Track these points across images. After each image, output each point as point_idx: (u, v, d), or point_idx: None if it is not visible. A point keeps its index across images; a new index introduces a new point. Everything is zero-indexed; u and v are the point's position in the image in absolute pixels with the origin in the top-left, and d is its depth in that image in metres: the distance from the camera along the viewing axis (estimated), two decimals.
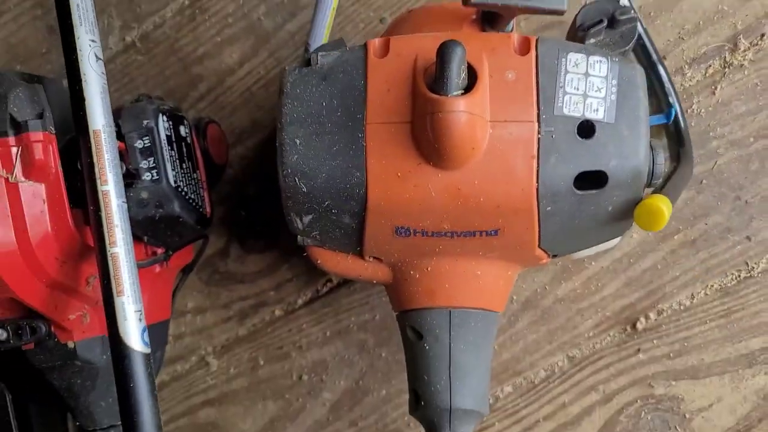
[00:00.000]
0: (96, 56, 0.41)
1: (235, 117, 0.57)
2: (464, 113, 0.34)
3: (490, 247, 0.39)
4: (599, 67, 0.36)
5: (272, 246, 0.57)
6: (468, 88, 0.35)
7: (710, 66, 0.50)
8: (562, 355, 0.52)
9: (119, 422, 0.47)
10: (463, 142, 0.34)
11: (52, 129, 0.41)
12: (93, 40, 0.41)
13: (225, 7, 0.57)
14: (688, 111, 0.50)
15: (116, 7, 0.58)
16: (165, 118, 0.45)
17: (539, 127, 0.36)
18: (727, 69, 0.50)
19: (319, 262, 0.43)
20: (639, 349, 0.51)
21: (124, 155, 0.43)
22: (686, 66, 0.50)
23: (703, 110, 0.50)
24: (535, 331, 0.52)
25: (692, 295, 0.50)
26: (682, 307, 0.50)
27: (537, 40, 0.37)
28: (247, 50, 0.57)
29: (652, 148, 0.39)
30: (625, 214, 0.39)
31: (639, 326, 0.51)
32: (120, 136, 0.43)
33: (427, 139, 0.35)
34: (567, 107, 0.36)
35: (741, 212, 0.50)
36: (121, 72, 0.59)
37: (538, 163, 0.36)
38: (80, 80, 0.40)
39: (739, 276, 0.50)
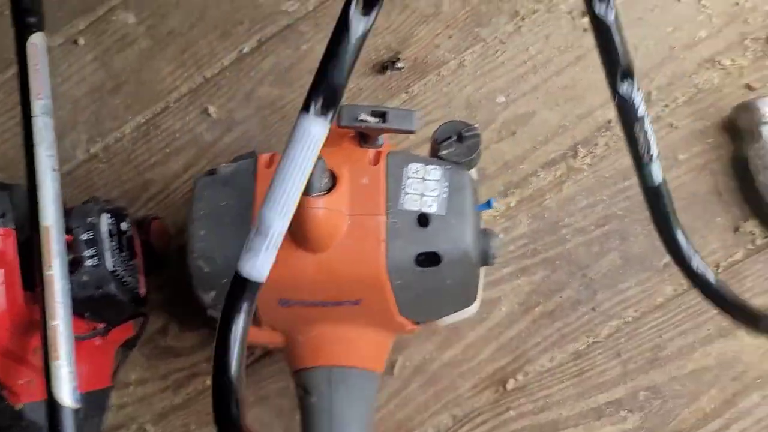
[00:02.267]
0: (52, 168, 0.52)
1: (179, 214, 0.68)
2: (323, 209, 0.44)
3: (357, 315, 0.49)
4: (434, 173, 0.48)
5: (206, 324, 0.66)
6: (330, 190, 0.46)
7: (558, 168, 0.62)
8: (447, 414, 0.60)
9: None
10: (323, 231, 0.45)
11: (12, 225, 0.51)
12: (50, 155, 0.52)
13: (173, 124, 0.69)
14: (542, 204, 0.61)
15: (84, 124, 0.70)
16: (108, 216, 0.55)
17: (387, 218, 0.46)
18: (570, 171, 0.62)
19: None
20: (509, 408, 0.59)
21: (72, 245, 0.53)
22: (540, 169, 0.62)
23: (554, 204, 0.61)
24: (424, 393, 0.61)
25: (551, 358, 0.60)
26: (543, 369, 0.60)
27: (388, 154, 0.48)
28: (191, 159, 0.68)
29: (486, 234, 0.50)
30: (464, 287, 0.49)
31: (509, 386, 0.60)
32: (69, 230, 0.53)
33: (298, 229, 0.45)
34: (408, 204, 0.47)
35: (587, 287, 0.60)
36: (84, 177, 0.70)
37: (386, 246, 0.46)
38: (36, 186, 0.51)
39: (588, 341, 0.59)
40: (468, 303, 0.52)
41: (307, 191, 0.44)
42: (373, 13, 0.33)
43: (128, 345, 0.64)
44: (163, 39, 0.72)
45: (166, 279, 0.66)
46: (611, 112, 0.61)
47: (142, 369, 0.66)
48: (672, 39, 0.61)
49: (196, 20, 0.72)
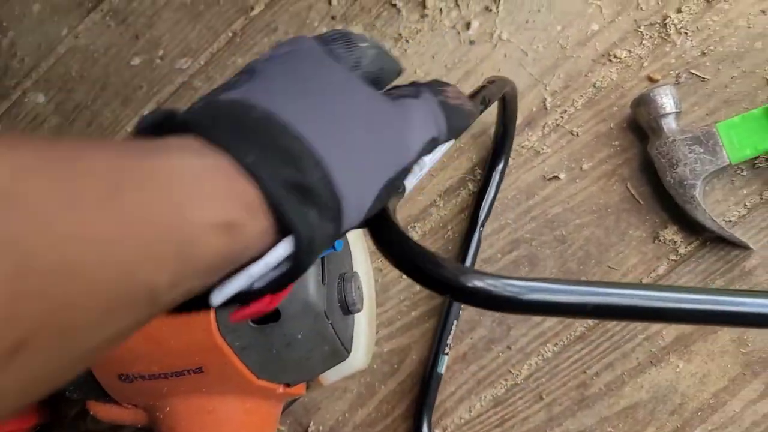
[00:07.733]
0: None
1: None
2: None
3: (206, 384, 0.44)
4: None
5: None
6: None
7: (458, 195, 0.56)
8: None
9: None
10: None
11: None
12: None
13: None
14: (446, 237, 0.56)
15: None
16: None
17: None
18: (471, 197, 0.56)
19: (92, 413, 0.48)
20: None
21: None
22: (438, 198, 0.57)
23: (457, 235, 0.56)
24: None
25: (470, 408, 0.53)
26: (462, 421, 0.53)
27: None
28: None
29: (344, 279, 0.45)
30: (321, 340, 0.44)
31: None
32: None
33: None
34: None
35: (501, 323, 0.53)
36: None
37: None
38: None
39: (507, 384, 0.52)
40: (339, 356, 0.46)
41: None
42: None
43: None
44: (69, 114, 0.71)
45: None
46: None
47: None
48: (562, 38, 0.55)
49: (99, 90, 0.71)
